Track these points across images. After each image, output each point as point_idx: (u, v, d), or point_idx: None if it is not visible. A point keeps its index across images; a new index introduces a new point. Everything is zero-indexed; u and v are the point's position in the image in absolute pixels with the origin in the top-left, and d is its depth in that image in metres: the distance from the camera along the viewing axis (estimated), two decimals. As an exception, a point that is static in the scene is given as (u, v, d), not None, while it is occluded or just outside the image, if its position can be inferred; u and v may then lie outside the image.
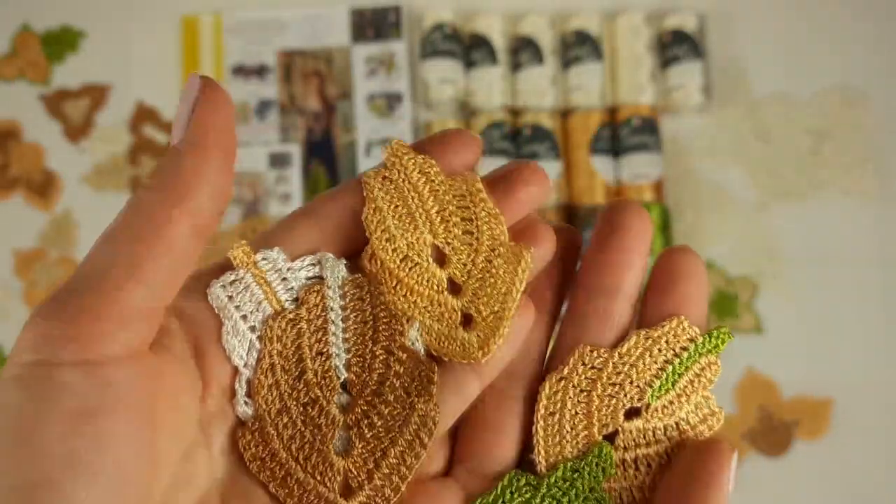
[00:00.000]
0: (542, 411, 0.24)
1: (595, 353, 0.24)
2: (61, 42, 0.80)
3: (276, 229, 0.24)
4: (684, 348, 0.24)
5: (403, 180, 0.24)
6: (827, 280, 0.74)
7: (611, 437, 0.24)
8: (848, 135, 0.77)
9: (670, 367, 0.24)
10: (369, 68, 0.79)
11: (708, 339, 0.24)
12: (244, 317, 0.23)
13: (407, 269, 0.24)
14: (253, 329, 0.23)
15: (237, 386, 0.22)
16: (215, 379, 0.22)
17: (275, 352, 0.23)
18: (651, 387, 0.24)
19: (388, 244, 0.23)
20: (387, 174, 0.24)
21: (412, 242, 0.24)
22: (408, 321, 0.23)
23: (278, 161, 0.77)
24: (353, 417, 0.23)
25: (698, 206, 0.76)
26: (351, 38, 0.79)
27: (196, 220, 0.20)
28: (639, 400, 0.24)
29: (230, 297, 0.22)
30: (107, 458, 0.18)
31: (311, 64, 0.79)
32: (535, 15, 0.77)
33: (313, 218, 0.24)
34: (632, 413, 0.24)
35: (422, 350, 0.23)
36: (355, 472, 0.23)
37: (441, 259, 0.24)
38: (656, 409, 0.24)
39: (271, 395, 0.23)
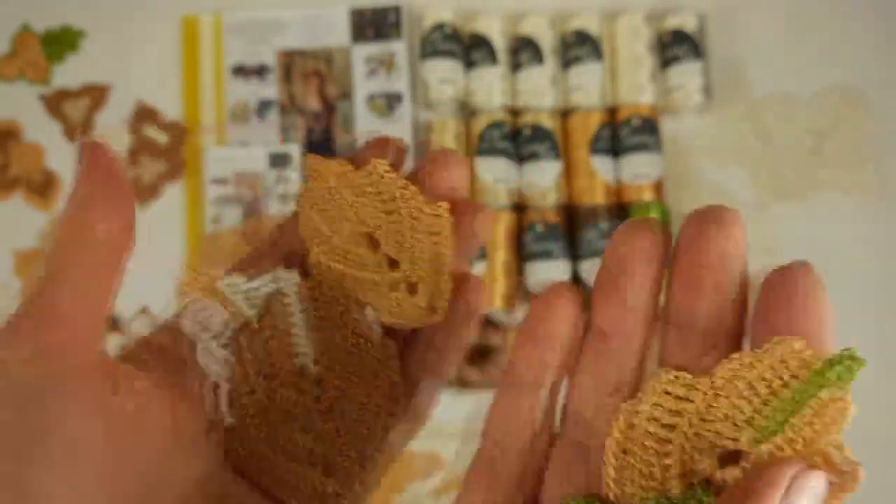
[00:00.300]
0: (615, 448, 0.20)
1: (679, 379, 0.19)
2: (61, 42, 0.80)
3: (238, 266, 0.26)
4: (795, 376, 0.18)
5: (324, 187, 0.26)
6: (827, 280, 0.74)
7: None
8: (848, 135, 0.77)
9: (776, 401, 0.18)
10: (369, 68, 0.79)
11: (830, 365, 0.18)
12: (215, 337, 0.25)
13: (348, 262, 0.26)
14: (225, 346, 0.25)
15: (217, 396, 0.24)
16: (188, 389, 0.24)
17: (247, 361, 0.25)
18: (752, 425, 0.18)
19: (325, 246, 0.26)
20: (309, 186, 0.26)
21: (346, 237, 0.26)
22: (362, 309, 0.25)
23: (278, 161, 0.77)
24: (327, 405, 0.25)
25: (698, 205, 0.76)
26: (351, 38, 0.79)
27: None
28: (735, 441, 0.18)
29: (200, 323, 0.25)
30: (54, 440, 0.19)
31: (311, 64, 0.79)
32: (535, 15, 0.77)
33: (271, 252, 0.27)
34: (728, 459, 0.19)
35: (379, 332, 0.25)
36: (337, 453, 0.25)
37: (375, 243, 0.26)
38: (761, 455, 0.18)
39: (249, 399, 0.25)
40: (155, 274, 0.76)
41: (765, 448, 0.18)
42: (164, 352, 0.24)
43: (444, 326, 0.25)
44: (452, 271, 0.25)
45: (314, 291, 0.26)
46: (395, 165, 0.26)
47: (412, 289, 0.25)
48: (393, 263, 0.26)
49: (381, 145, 0.26)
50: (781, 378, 0.18)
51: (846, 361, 0.18)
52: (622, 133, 0.75)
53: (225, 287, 0.25)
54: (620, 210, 0.75)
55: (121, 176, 0.23)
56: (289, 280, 0.26)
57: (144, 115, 0.79)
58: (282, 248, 0.27)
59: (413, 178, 0.26)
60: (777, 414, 0.18)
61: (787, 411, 0.18)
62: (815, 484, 0.18)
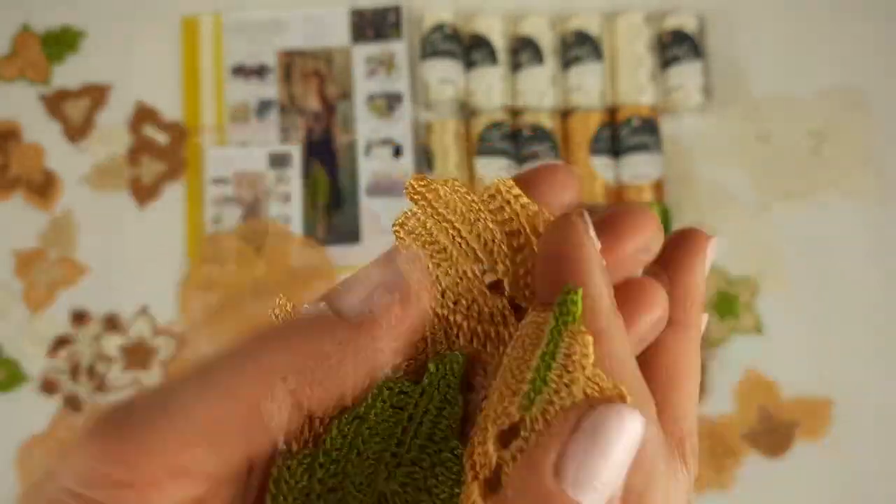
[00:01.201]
0: None
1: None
2: (61, 42, 0.80)
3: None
4: (537, 338, 0.19)
5: (429, 215, 0.21)
6: (827, 280, 0.74)
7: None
8: (848, 135, 0.77)
9: (532, 366, 0.18)
10: (369, 68, 0.79)
11: (558, 311, 0.18)
12: None
13: (461, 310, 0.21)
14: None
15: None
16: None
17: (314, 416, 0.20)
18: (517, 394, 0.18)
19: (433, 294, 0.21)
20: (411, 213, 0.21)
21: (459, 277, 0.21)
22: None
23: (278, 161, 0.77)
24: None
25: (698, 206, 0.76)
26: (351, 38, 0.79)
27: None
28: (508, 416, 0.18)
29: None
30: None
31: (311, 64, 0.79)
32: (535, 15, 0.77)
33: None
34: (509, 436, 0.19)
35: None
36: None
37: (498, 286, 0.21)
38: (536, 418, 0.18)
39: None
40: (155, 274, 0.76)
41: (536, 410, 0.18)
42: None
43: None
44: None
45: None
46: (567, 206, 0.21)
47: None
48: (520, 314, 0.21)
49: (551, 173, 0.21)
50: (533, 344, 0.18)
51: (565, 299, 0.18)
52: (622, 133, 0.75)
53: None
54: (620, 210, 0.75)
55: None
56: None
57: (144, 115, 0.79)
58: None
59: (526, 185, 0.21)
60: (534, 375, 0.18)
61: (541, 368, 0.18)
62: (601, 417, 0.17)
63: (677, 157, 0.77)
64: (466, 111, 0.77)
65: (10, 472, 0.71)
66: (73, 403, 0.73)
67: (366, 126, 0.77)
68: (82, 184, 0.78)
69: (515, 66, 0.77)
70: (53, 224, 0.77)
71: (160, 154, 0.78)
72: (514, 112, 0.77)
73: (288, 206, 0.76)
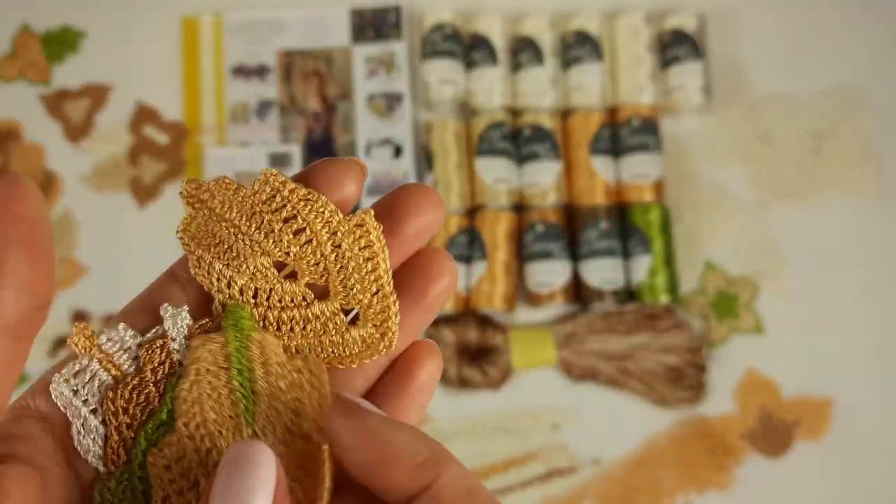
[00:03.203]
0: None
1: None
2: (61, 42, 0.80)
3: (135, 304, 0.22)
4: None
5: (208, 217, 0.22)
6: (827, 280, 0.74)
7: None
8: (848, 135, 0.77)
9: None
10: (369, 68, 0.79)
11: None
12: (94, 410, 0.21)
13: (262, 302, 0.21)
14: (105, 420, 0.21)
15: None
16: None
17: (122, 427, 0.21)
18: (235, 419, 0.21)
19: (227, 288, 0.21)
20: (191, 219, 0.22)
21: (252, 273, 0.21)
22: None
23: (278, 161, 0.77)
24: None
25: (698, 206, 0.76)
26: (351, 38, 0.79)
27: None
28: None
29: (75, 392, 0.20)
30: None
31: (311, 64, 0.79)
32: (536, 15, 0.77)
33: (177, 283, 0.22)
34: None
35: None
36: None
37: (291, 273, 0.22)
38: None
39: (118, 458, 0.21)
40: (155, 274, 0.76)
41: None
42: (48, 422, 0.20)
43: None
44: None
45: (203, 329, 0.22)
46: (355, 192, 0.22)
47: (353, 319, 0.22)
48: (321, 293, 0.22)
49: (334, 166, 0.22)
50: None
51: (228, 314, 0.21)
52: (622, 133, 0.75)
53: (106, 343, 0.21)
54: (621, 210, 0.75)
55: (43, 232, 0.18)
56: (177, 321, 0.22)
57: (144, 115, 0.79)
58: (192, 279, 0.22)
59: (306, 180, 0.22)
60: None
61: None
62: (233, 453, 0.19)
63: (677, 157, 0.77)
64: (466, 111, 0.77)
65: (10, 473, 0.71)
66: (73, 403, 0.73)
67: (366, 126, 0.77)
68: (82, 184, 0.78)
69: (515, 66, 0.77)
70: (53, 224, 0.77)
71: (160, 154, 0.78)
72: (515, 112, 0.77)
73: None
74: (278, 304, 0.22)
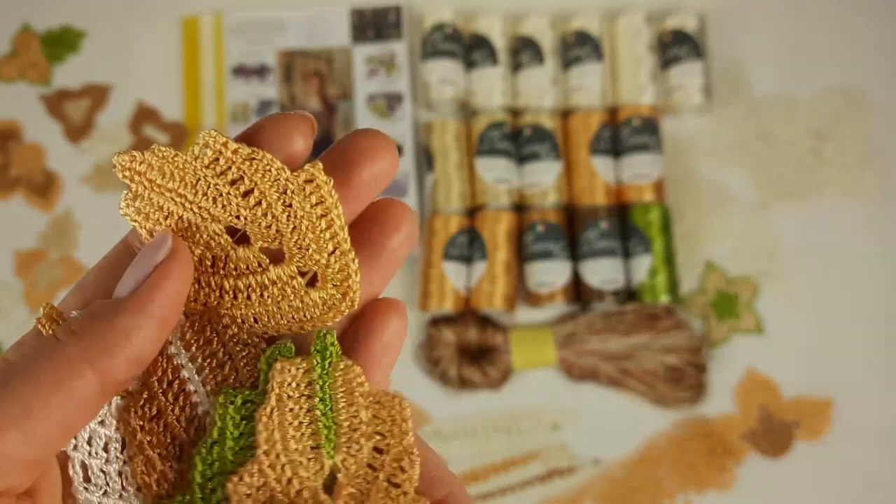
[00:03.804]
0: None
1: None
2: (62, 42, 0.80)
3: (90, 278, 0.22)
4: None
5: (150, 189, 0.20)
6: (827, 280, 0.74)
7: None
8: (848, 135, 0.77)
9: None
10: (369, 69, 0.79)
11: (319, 354, 0.21)
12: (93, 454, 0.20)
13: (219, 271, 0.21)
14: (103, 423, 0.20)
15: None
16: None
17: (145, 443, 0.20)
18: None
19: None
20: (133, 194, 0.21)
21: (206, 242, 0.21)
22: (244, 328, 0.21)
23: (279, 161, 0.77)
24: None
25: (699, 206, 0.76)
26: (351, 38, 0.79)
27: (106, 379, 0.18)
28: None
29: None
30: None
31: (311, 64, 0.79)
32: (536, 15, 0.77)
33: (132, 256, 0.21)
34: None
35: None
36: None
37: (243, 239, 0.21)
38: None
39: (150, 476, 0.20)
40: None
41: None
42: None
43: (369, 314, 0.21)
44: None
45: (194, 327, 0.21)
46: (304, 148, 0.21)
47: (311, 280, 0.21)
48: (276, 256, 0.21)
49: (280, 122, 0.21)
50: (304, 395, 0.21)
51: (324, 343, 0.21)
52: (622, 133, 0.75)
53: None
54: (621, 210, 0.75)
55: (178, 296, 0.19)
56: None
57: (144, 115, 0.79)
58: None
59: (251, 139, 0.20)
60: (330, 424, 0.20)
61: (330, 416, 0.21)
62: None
63: (677, 157, 0.77)
64: (467, 111, 0.77)
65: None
66: (73, 403, 0.73)
67: (366, 126, 0.77)
68: (83, 184, 0.78)
69: (516, 67, 0.77)
70: (54, 224, 0.77)
71: (160, 154, 0.78)
72: (515, 112, 0.77)
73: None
74: (234, 272, 0.21)
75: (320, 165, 0.20)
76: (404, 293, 0.75)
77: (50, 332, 0.19)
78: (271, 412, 0.20)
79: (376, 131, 0.21)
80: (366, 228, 0.21)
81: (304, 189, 0.20)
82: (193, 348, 0.21)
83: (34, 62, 0.80)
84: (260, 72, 0.79)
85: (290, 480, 0.20)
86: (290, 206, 0.20)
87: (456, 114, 0.77)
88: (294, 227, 0.20)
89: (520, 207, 0.75)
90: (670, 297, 0.72)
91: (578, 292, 0.73)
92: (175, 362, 0.21)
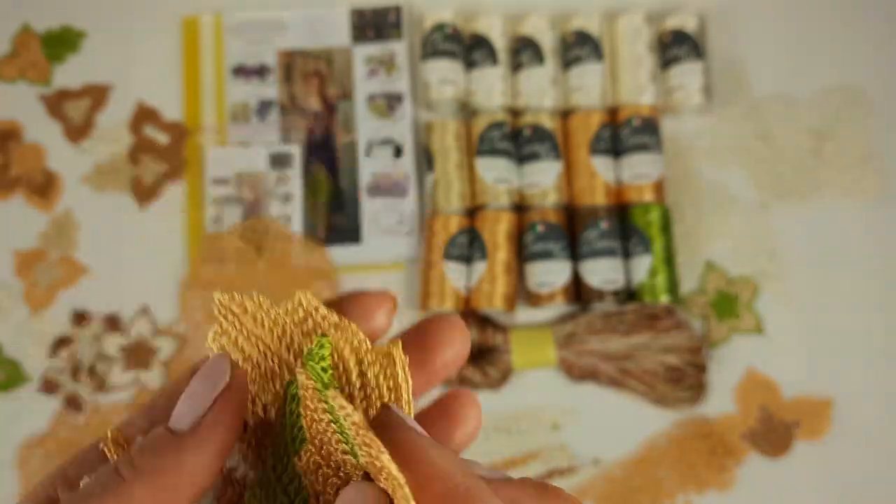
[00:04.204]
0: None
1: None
2: (62, 42, 0.80)
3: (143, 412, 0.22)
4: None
5: (238, 331, 0.21)
6: (827, 280, 0.74)
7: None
8: (848, 135, 0.77)
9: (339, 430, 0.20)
10: (369, 68, 0.79)
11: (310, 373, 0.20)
12: None
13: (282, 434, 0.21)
14: None
15: None
16: None
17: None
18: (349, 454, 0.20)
19: (251, 405, 0.21)
20: (221, 331, 0.22)
21: (276, 392, 0.21)
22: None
23: (279, 161, 0.77)
24: None
25: (699, 206, 0.76)
26: (351, 38, 0.79)
27: None
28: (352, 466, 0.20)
29: None
30: None
31: (311, 64, 0.79)
32: (536, 15, 0.77)
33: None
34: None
35: None
36: None
37: None
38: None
39: None
40: (155, 274, 0.76)
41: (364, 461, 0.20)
42: None
43: None
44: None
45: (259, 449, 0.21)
46: (385, 325, 0.22)
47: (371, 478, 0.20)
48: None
49: (369, 298, 0.22)
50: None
51: (309, 356, 0.20)
52: (622, 133, 0.75)
53: None
54: (621, 210, 0.75)
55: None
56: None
57: (145, 115, 0.79)
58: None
59: (339, 307, 0.22)
60: (348, 436, 0.20)
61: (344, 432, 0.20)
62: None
63: (677, 157, 0.77)
64: (467, 111, 0.77)
65: (10, 472, 0.71)
66: (73, 403, 0.73)
67: (366, 126, 0.77)
68: (83, 184, 0.78)
69: (516, 67, 0.77)
70: (54, 224, 0.77)
71: (161, 154, 0.78)
72: (515, 112, 0.77)
73: (288, 206, 0.76)
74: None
75: (399, 344, 0.21)
76: (404, 293, 0.75)
77: (115, 457, 0.20)
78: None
79: (456, 319, 0.22)
80: (436, 417, 0.22)
81: (380, 362, 0.21)
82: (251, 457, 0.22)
83: (34, 62, 0.80)
84: (260, 72, 0.79)
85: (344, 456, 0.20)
86: (365, 375, 0.21)
87: (456, 114, 0.77)
88: (364, 397, 0.21)
89: (520, 207, 0.75)
90: (670, 297, 0.72)
91: (578, 292, 0.73)
92: (234, 476, 0.21)
